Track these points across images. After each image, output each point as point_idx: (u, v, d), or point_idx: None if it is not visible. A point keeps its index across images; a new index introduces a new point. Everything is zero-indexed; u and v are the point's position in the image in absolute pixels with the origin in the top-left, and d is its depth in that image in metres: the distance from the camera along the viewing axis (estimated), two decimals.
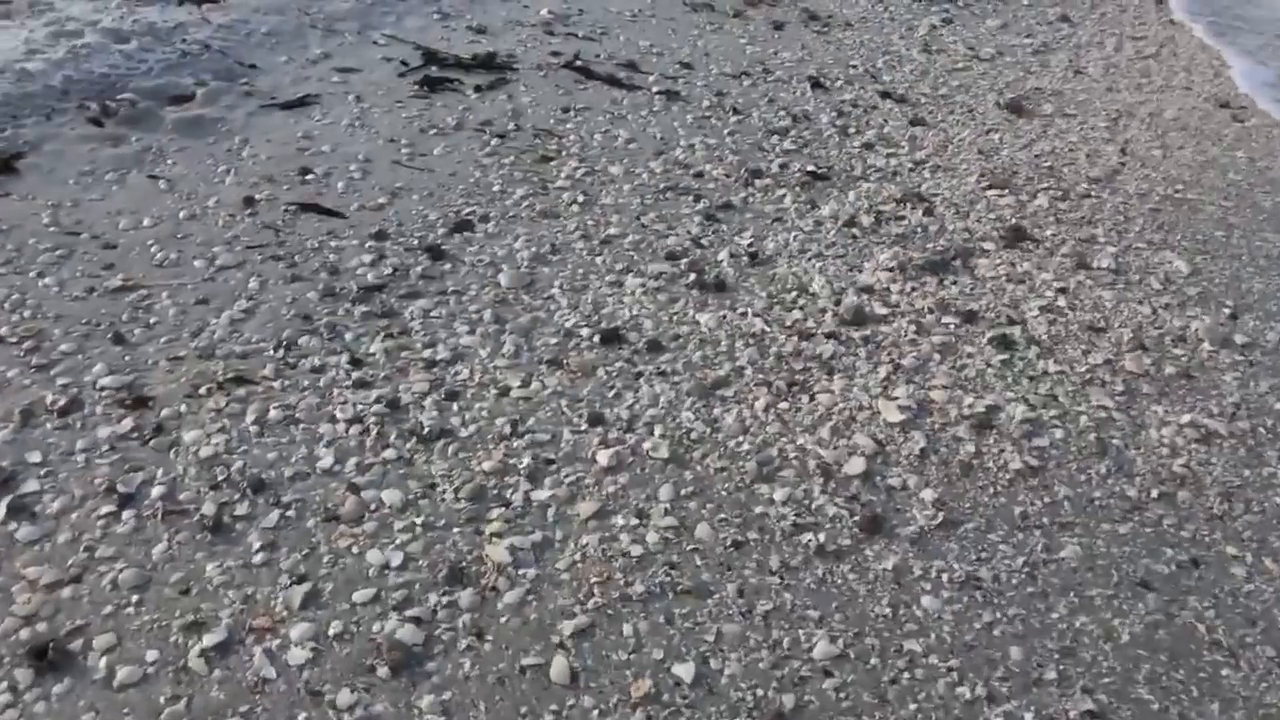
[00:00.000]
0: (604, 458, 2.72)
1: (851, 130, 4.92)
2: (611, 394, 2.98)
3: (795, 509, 2.62)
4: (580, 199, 4.04)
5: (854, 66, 5.79)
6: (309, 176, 4.01)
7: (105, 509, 2.44)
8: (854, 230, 4.00)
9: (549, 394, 2.96)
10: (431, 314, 3.27)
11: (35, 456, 2.57)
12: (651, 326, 3.30)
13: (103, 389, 2.81)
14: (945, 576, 2.46)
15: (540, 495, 2.60)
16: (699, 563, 2.45)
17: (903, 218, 4.12)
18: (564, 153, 4.44)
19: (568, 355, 3.12)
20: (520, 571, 2.38)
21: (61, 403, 2.74)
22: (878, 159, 4.64)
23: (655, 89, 5.18)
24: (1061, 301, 3.58)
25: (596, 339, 3.20)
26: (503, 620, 2.27)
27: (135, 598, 2.24)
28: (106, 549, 2.34)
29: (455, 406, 2.88)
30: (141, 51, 4.65)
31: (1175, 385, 3.20)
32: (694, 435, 2.84)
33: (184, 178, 3.92)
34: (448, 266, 3.53)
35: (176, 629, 2.18)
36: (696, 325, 3.32)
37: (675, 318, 3.36)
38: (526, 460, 2.70)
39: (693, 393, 3.00)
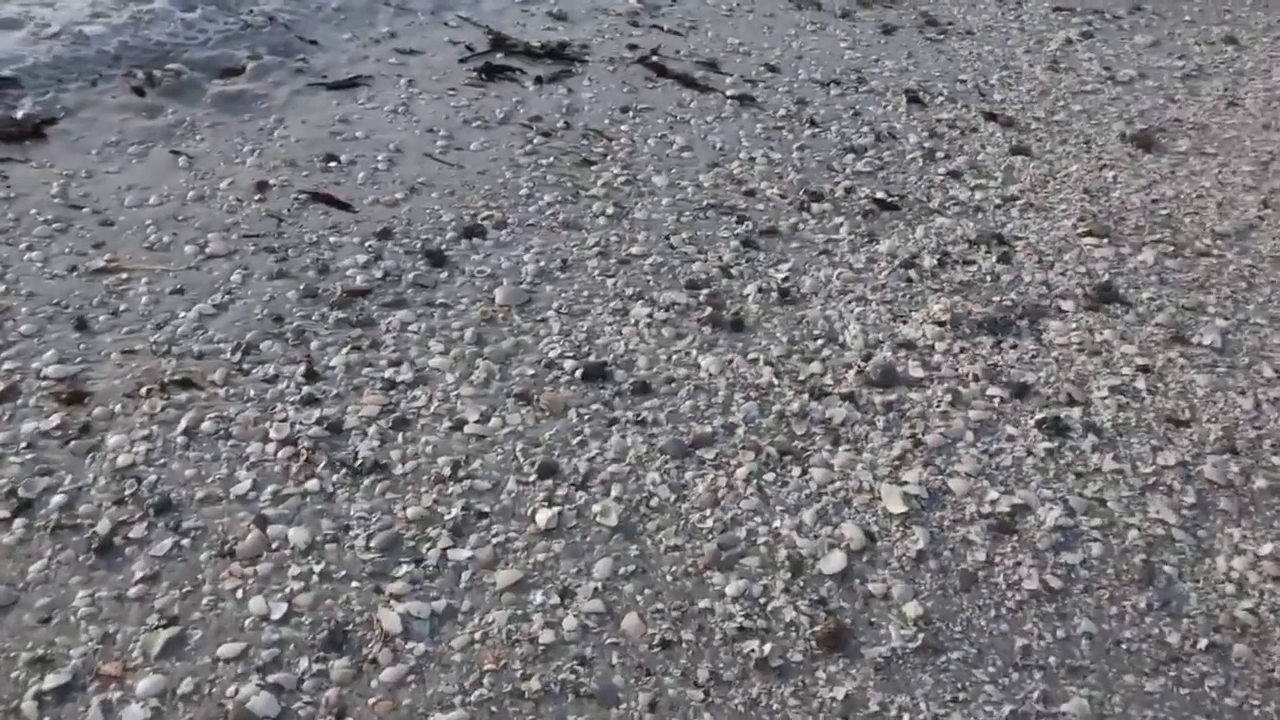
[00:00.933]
0: (543, 518, 2.41)
1: (940, 154, 4.40)
2: (576, 441, 2.65)
3: (746, 608, 2.23)
4: (610, 210, 3.71)
5: (962, 81, 5.21)
6: (332, 164, 3.83)
7: None
8: (911, 272, 3.52)
9: (506, 433, 2.66)
10: (409, 328, 3.02)
11: None
12: (645, 365, 2.95)
13: (45, 379, 2.69)
14: (906, 718, 2.03)
15: (459, 555, 2.31)
16: (615, 661, 2.11)
17: (972, 262, 3.61)
18: (609, 157, 4.11)
19: (541, 390, 2.81)
20: (409, 645, 2.10)
21: None
22: (961, 190, 4.11)
23: (730, 92, 4.78)
24: (1140, 383, 3.02)
25: (579, 373, 2.88)
26: (370, 701, 1.99)
27: None
28: None
29: (400, 437, 2.61)
30: (204, 21, 4.60)
31: (1264, 504, 2.63)
32: (654, 502, 2.49)
33: (206, 156, 3.81)
34: (444, 275, 3.27)
35: (22, 663, 2.00)
36: (696, 369, 2.95)
37: (674, 358, 3.00)
38: (456, 510, 2.41)
39: (668, 450, 2.64)
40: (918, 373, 3.01)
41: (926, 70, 5.32)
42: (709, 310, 3.19)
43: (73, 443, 2.50)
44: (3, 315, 2.89)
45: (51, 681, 1.96)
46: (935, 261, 3.58)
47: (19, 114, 3.82)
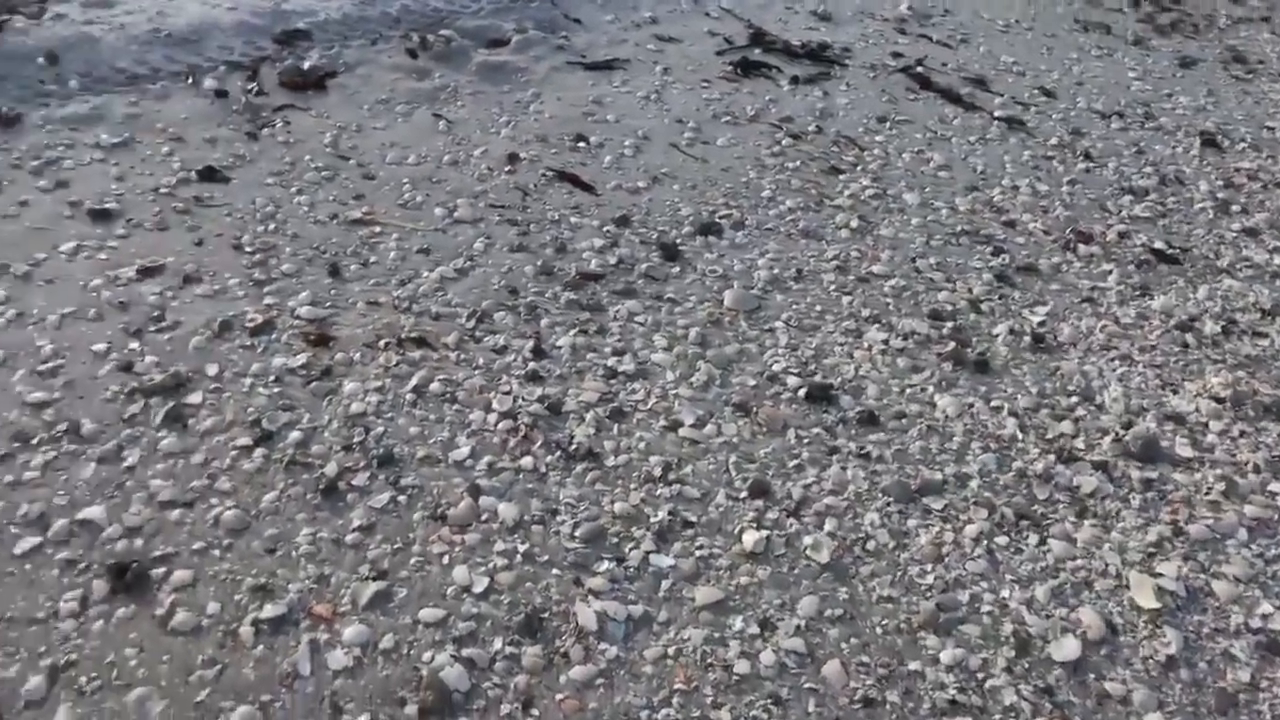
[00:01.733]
0: (750, 540, 2.29)
1: (1235, 208, 3.91)
2: (792, 463, 2.51)
3: (961, 680, 2.03)
4: (854, 223, 3.53)
5: (1270, 128, 4.62)
6: (580, 144, 3.85)
7: (243, 440, 2.42)
8: (1188, 337, 3.13)
9: (720, 443, 2.55)
10: (636, 318, 2.97)
11: (212, 369, 2.63)
12: (874, 395, 2.76)
13: (298, 318, 2.83)
14: None
15: (661, 561, 2.23)
16: (811, 709, 1.96)
17: (1264, 335, 3.17)
18: (859, 167, 3.92)
19: (761, 403, 2.69)
20: (601, 646, 2.04)
21: (257, 322, 2.79)
22: (1258, 252, 3.63)
23: (998, 113, 4.45)
24: None
25: (802, 392, 2.73)
26: (558, 697, 1.95)
27: (227, 542, 2.18)
28: (226, 482, 2.32)
29: (615, 429, 2.56)
30: None
31: None
32: (870, 545, 2.31)
33: (464, 122, 3.93)
34: (676, 270, 3.21)
35: (246, 588, 2.09)
36: (931, 407, 2.74)
37: (908, 391, 2.79)
38: (662, 514, 2.33)
39: (891, 491, 2.45)
40: (1186, 451, 2.66)
41: (1228, 112, 4.76)
42: (952, 345, 2.96)
43: (314, 384, 2.62)
44: (269, 252, 3.08)
45: (269, 611, 2.04)
46: (1219, 328, 3.17)
47: (306, 64, 4.09)
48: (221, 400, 2.54)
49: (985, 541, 2.35)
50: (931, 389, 2.80)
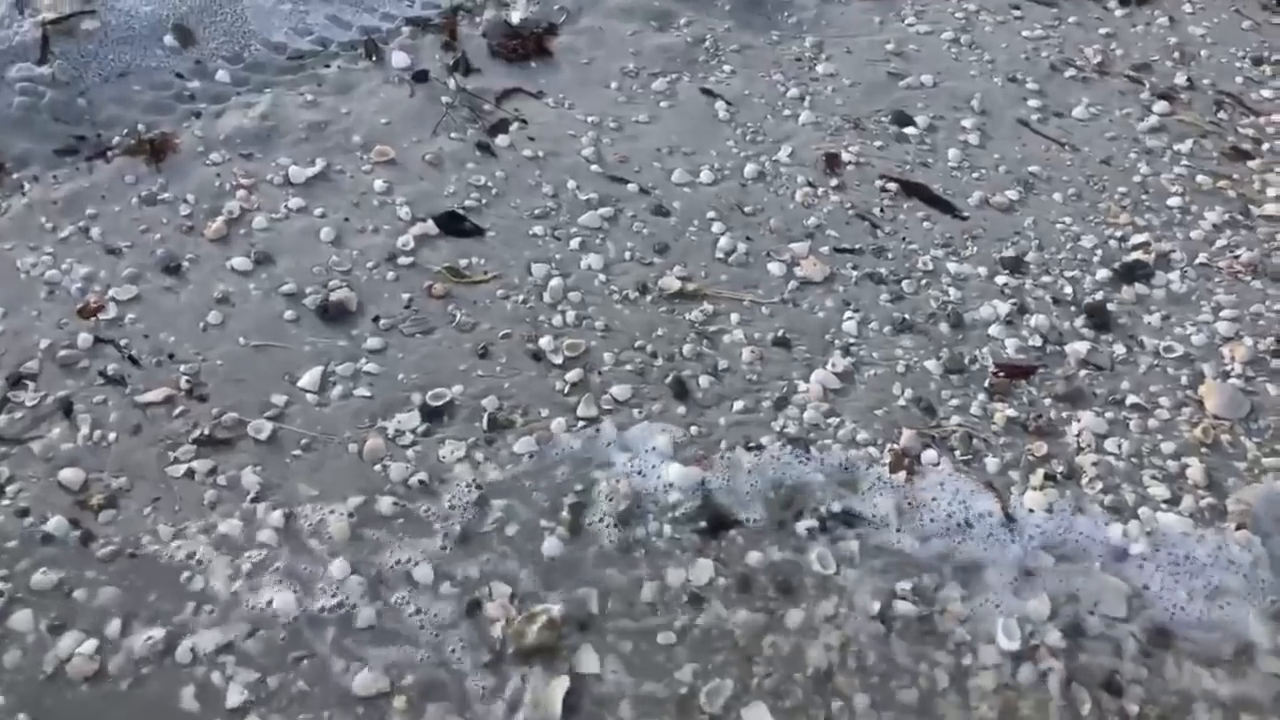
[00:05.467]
0: None
1: None
2: None
3: None
4: None
5: None
6: (908, 130, 2.87)
7: None
8: None
9: None
10: (1106, 442, 2.15)
11: None
12: None
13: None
14: None
15: None
16: None
17: None
18: (1265, 146, 2.95)
19: None
20: None
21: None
22: None
23: None
24: None
25: None
26: None
27: None
28: None
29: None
30: None
31: None
32: None
33: (745, 101, 2.89)
34: (1118, 348, 2.35)
35: None
36: None
37: None
38: None
39: None
40: None
41: None
42: None
43: None
44: (582, 360, 2.20)
45: None
46: None
47: (513, 14, 2.98)
48: None
49: None
50: None
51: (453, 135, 2.68)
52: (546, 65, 2.94)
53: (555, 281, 2.34)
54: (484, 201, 2.53)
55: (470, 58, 2.89)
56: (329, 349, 2.17)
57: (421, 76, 2.79)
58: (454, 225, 2.44)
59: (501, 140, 2.68)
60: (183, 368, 2.09)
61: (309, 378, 2.11)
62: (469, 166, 2.61)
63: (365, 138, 2.64)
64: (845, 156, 2.76)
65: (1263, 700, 1.77)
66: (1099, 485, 2.07)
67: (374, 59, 2.83)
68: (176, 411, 2.02)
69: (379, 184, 2.53)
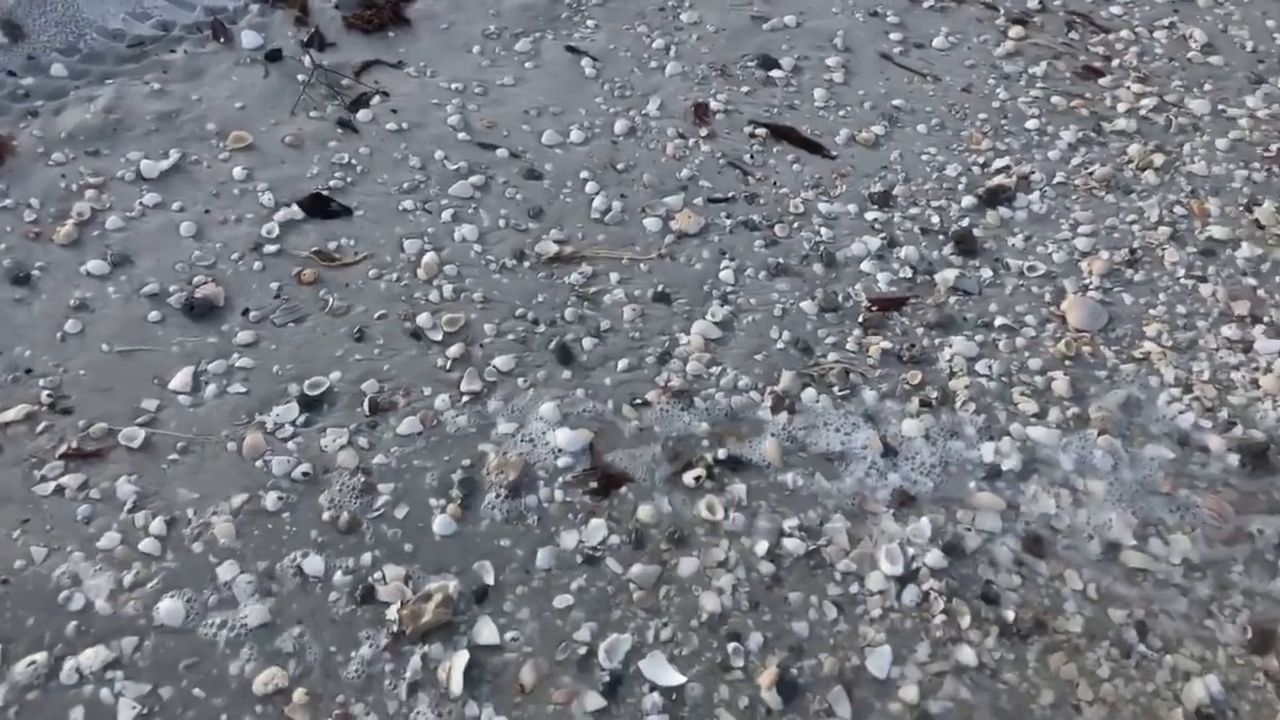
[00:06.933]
0: None
1: None
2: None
3: None
4: (1156, 159, 2.74)
5: None
6: (773, 73, 2.89)
7: None
8: None
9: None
10: (977, 365, 2.24)
11: None
12: None
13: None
14: None
15: None
16: None
17: None
18: (1116, 62, 3.06)
19: (1177, 485, 2.05)
20: None
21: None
22: None
23: None
24: None
25: (1235, 461, 2.10)
26: None
27: None
28: None
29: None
30: None
31: None
32: None
33: (611, 56, 2.88)
34: (985, 272, 2.44)
35: None
36: None
37: None
38: None
39: None
40: None
41: None
42: None
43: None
44: (463, 334, 2.19)
45: None
46: None
47: None
48: None
49: None
50: None
51: (312, 114, 2.61)
52: (404, 34, 2.87)
53: (429, 256, 2.32)
54: (349, 180, 2.48)
55: (324, 32, 2.81)
56: (199, 347, 2.12)
57: (275, 55, 2.70)
58: (320, 207, 2.39)
59: (363, 115, 2.62)
60: (42, 382, 2.02)
61: (180, 379, 2.06)
62: (331, 145, 2.55)
63: (220, 124, 2.55)
64: (714, 105, 2.77)
65: (1128, 595, 1.89)
66: (972, 407, 2.16)
67: (222, 40, 2.73)
68: (39, 428, 1.96)
69: (238, 171, 2.45)
